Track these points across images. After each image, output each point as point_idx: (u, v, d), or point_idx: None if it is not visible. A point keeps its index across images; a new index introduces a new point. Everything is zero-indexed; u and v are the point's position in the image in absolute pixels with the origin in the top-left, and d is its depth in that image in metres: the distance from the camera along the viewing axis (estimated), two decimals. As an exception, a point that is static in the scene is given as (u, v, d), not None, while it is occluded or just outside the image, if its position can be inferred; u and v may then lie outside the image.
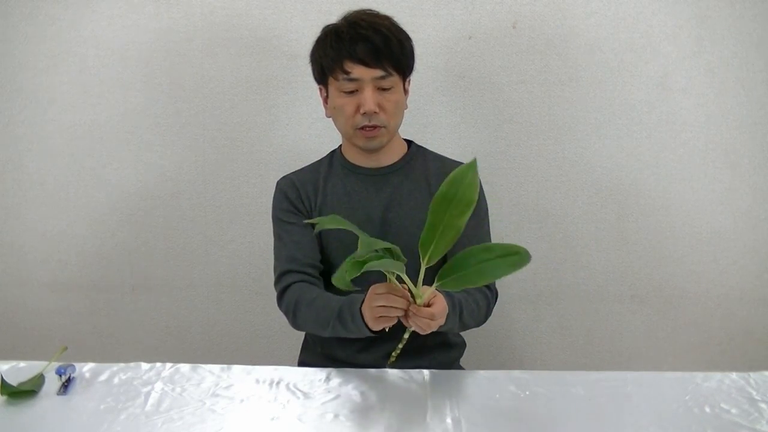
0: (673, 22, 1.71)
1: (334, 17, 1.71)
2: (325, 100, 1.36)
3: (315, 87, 1.75)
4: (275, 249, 1.40)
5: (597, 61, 1.73)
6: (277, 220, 1.41)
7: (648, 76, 1.73)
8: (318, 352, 1.45)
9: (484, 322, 1.37)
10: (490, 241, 1.41)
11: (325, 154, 1.48)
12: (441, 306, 1.14)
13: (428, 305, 1.13)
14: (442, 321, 1.15)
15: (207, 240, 1.86)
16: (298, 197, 1.40)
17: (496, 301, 1.38)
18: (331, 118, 1.37)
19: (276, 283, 1.38)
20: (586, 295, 1.86)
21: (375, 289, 1.17)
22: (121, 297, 1.90)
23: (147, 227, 1.86)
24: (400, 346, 1.20)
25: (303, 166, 1.47)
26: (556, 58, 1.73)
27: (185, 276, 1.89)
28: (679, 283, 1.85)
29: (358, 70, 1.26)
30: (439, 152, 1.47)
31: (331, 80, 1.30)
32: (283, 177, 1.45)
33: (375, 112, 1.28)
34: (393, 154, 1.40)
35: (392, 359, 1.23)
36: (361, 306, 1.19)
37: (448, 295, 1.20)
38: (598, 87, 1.74)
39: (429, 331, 1.15)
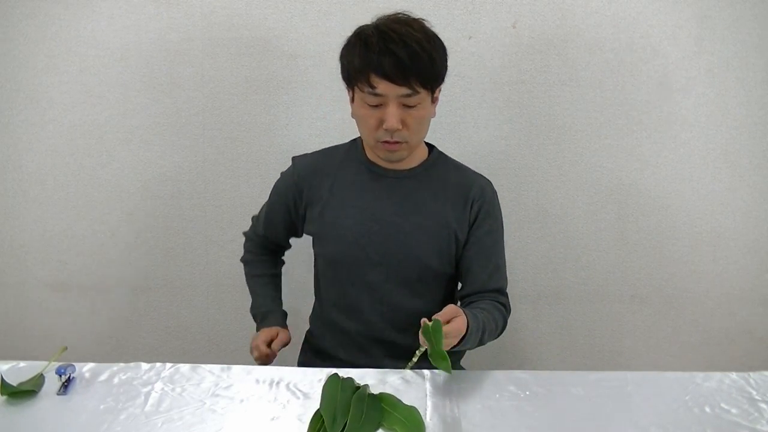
0: (673, 22, 1.71)
1: (334, 17, 1.72)
2: (352, 100, 1.31)
3: (315, 87, 1.76)
4: (263, 206, 1.51)
5: (597, 61, 1.73)
6: (274, 187, 1.46)
7: (648, 76, 1.73)
8: (319, 352, 1.45)
9: (497, 338, 1.37)
10: (503, 258, 1.40)
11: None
12: (456, 327, 1.13)
13: (447, 322, 1.13)
14: (454, 341, 1.14)
15: (207, 240, 1.86)
16: (304, 185, 1.38)
17: (509, 316, 1.39)
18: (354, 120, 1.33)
19: (248, 230, 1.57)
20: (586, 295, 1.87)
21: (264, 334, 1.44)
22: (121, 297, 1.90)
23: (147, 227, 1.86)
24: (414, 360, 1.19)
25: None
26: (556, 58, 1.73)
27: (185, 276, 1.89)
28: (679, 283, 1.85)
29: (383, 86, 1.20)
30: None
31: (356, 88, 1.26)
32: (301, 156, 1.43)
33: (397, 129, 1.23)
34: (412, 159, 1.36)
35: (409, 367, 1.23)
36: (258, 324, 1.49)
37: (474, 317, 1.20)
38: (598, 87, 1.74)
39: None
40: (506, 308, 1.37)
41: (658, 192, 1.80)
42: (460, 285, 1.40)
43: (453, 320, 1.14)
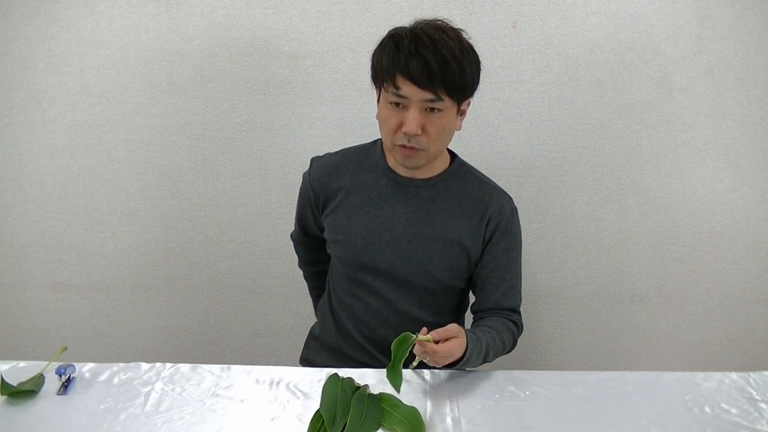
0: (673, 22, 1.71)
1: (334, 17, 1.72)
2: (378, 101, 1.28)
3: (315, 87, 1.76)
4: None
5: (597, 61, 1.73)
6: (300, 190, 1.45)
7: (648, 76, 1.73)
8: (322, 345, 1.46)
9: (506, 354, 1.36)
10: (519, 277, 1.38)
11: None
12: (447, 348, 1.12)
13: (446, 340, 1.13)
14: (443, 361, 1.13)
15: (207, 240, 1.86)
16: (320, 188, 1.37)
17: (520, 334, 1.38)
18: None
19: (293, 230, 1.56)
20: (586, 295, 1.86)
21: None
22: (121, 297, 1.90)
23: (147, 227, 1.86)
24: (415, 364, 1.20)
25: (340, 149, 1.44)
26: (556, 58, 1.73)
27: (185, 276, 1.89)
28: (679, 283, 1.85)
29: (407, 88, 1.18)
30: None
31: (382, 88, 1.24)
32: (318, 158, 1.41)
33: (416, 135, 1.20)
34: (432, 168, 1.33)
35: (411, 367, 1.24)
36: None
37: (476, 340, 1.19)
38: (598, 87, 1.74)
39: (435, 366, 1.15)
40: (518, 326, 1.36)
41: (658, 192, 1.80)
42: (473, 299, 1.39)
43: (450, 340, 1.12)
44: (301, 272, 1.64)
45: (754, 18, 1.69)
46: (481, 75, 1.78)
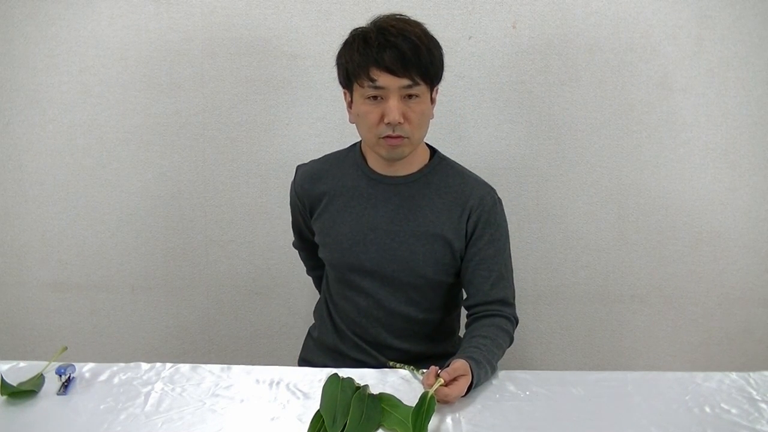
0: (673, 22, 1.71)
1: (334, 17, 1.72)
2: (349, 104, 1.30)
3: (315, 87, 1.76)
4: None
5: (597, 61, 1.73)
6: (290, 198, 1.48)
7: (648, 76, 1.73)
8: (319, 345, 1.46)
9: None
10: (508, 268, 1.36)
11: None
12: (458, 390, 1.11)
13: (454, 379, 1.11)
14: (451, 401, 1.11)
15: (207, 240, 1.86)
16: (304, 194, 1.40)
17: (515, 328, 1.36)
18: (354, 124, 1.31)
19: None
20: (586, 295, 1.86)
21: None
22: (121, 297, 1.90)
23: (147, 227, 1.86)
24: (417, 372, 1.19)
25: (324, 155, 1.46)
26: (556, 58, 1.73)
27: (185, 276, 1.89)
28: (679, 283, 1.85)
29: (384, 78, 1.21)
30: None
31: (356, 86, 1.25)
32: (302, 165, 1.44)
33: (399, 123, 1.22)
34: (412, 164, 1.34)
35: (400, 366, 1.24)
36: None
37: (479, 365, 1.16)
38: (598, 87, 1.74)
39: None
40: (511, 321, 1.33)
41: (658, 192, 1.80)
42: (465, 295, 1.38)
43: (459, 380, 1.11)
44: (300, 274, 1.65)
45: (754, 18, 1.70)
46: (479, 74, 1.79)
